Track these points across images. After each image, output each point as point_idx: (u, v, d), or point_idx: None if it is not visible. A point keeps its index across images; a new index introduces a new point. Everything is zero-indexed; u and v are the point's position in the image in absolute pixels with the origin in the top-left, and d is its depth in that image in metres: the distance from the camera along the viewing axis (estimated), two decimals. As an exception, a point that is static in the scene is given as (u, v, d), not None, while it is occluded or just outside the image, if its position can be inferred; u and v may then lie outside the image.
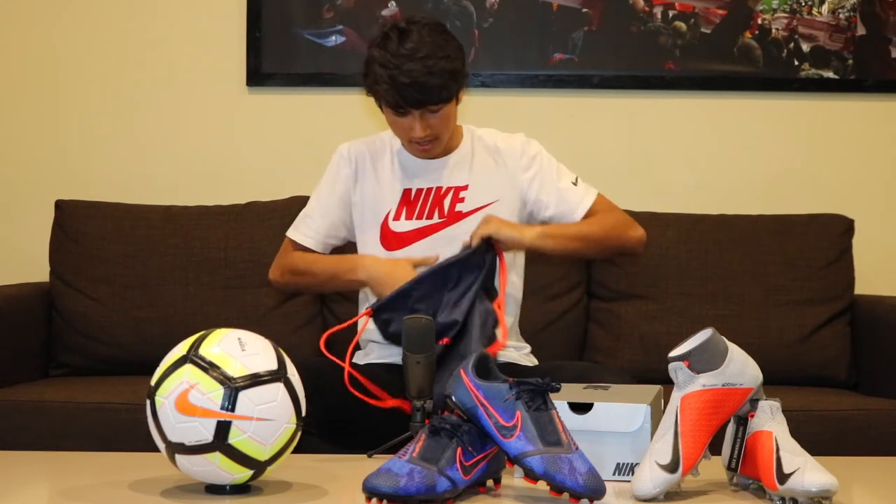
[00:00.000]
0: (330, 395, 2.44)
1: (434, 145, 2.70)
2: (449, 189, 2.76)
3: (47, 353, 3.47)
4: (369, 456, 2.27)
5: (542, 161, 2.79)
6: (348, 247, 2.85)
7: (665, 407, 2.05)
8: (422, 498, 1.88)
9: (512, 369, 2.58)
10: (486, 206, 2.74)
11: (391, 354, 2.68)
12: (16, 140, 3.80)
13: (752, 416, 2.04)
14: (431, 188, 2.75)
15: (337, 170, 2.81)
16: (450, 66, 2.60)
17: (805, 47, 3.72)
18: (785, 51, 3.72)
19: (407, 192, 2.76)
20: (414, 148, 2.72)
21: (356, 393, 2.41)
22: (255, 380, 1.94)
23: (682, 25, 3.71)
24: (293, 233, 2.83)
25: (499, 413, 1.95)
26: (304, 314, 3.44)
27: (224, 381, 1.93)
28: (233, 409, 1.92)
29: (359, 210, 2.78)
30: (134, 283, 3.45)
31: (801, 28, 3.71)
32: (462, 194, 2.75)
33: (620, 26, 3.72)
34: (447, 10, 3.70)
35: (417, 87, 2.56)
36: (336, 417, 2.49)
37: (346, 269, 2.73)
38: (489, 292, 2.61)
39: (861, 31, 3.71)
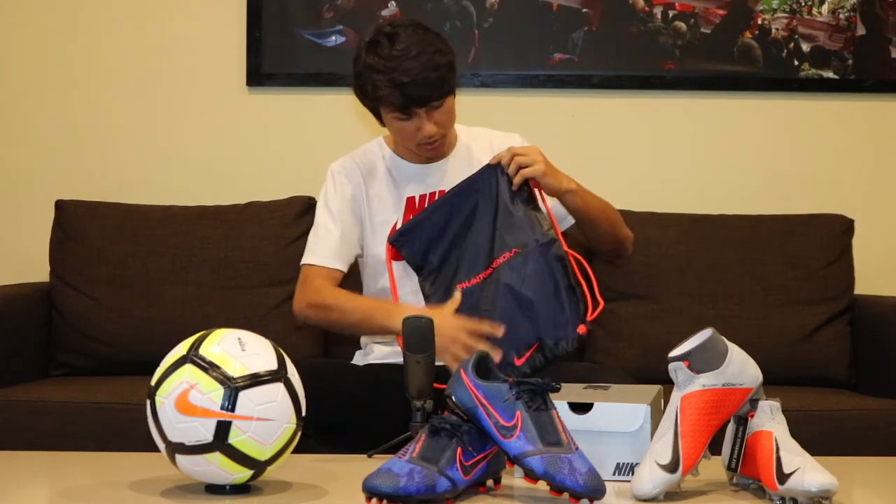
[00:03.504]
0: (329, 396, 2.44)
1: (442, 143, 2.68)
2: None
3: (47, 353, 3.46)
4: (369, 456, 2.27)
5: None
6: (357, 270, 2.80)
7: (665, 407, 2.05)
8: (422, 498, 1.88)
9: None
10: None
11: (391, 355, 2.68)
12: (16, 140, 3.80)
13: (752, 416, 2.04)
14: (434, 192, 2.72)
15: (341, 186, 2.73)
16: (443, 59, 2.60)
17: (805, 47, 3.71)
18: (785, 51, 3.72)
19: (410, 200, 2.72)
20: (423, 150, 2.68)
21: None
22: (255, 380, 1.95)
23: (682, 25, 3.71)
24: (312, 258, 2.71)
25: (499, 413, 1.95)
26: (305, 314, 3.44)
27: (224, 381, 1.93)
28: (233, 409, 1.92)
29: (368, 227, 2.73)
30: (134, 283, 3.45)
31: (801, 28, 3.71)
32: None
33: (620, 26, 3.72)
34: (447, 10, 3.69)
35: (419, 83, 2.55)
36: (335, 418, 2.48)
37: (383, 313, 2.57)
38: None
39: (861, 31, 3.71)
